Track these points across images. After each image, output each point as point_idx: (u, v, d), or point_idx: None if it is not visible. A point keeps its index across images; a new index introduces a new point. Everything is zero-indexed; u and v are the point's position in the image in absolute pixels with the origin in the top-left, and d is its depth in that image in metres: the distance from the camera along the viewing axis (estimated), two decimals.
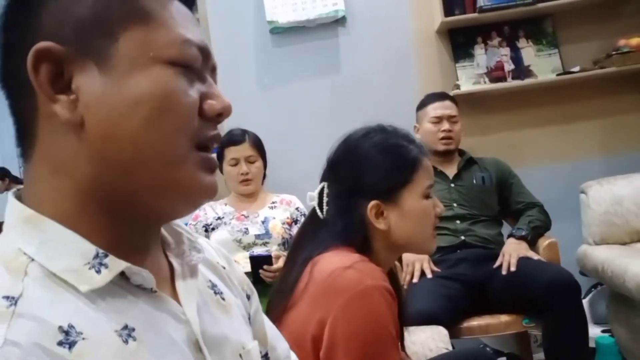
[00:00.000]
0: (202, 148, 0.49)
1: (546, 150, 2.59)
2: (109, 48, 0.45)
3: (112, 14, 0.46)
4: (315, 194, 1.09)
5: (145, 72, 0.46)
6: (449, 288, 1.89)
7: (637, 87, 2.54)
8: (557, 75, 2.49)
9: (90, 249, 0.46)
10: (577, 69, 2.48)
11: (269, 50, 2.67)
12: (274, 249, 2.15)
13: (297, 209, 2.25)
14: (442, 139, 2.19)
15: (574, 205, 2.28)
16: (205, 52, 0.51)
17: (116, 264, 0.46)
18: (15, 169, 4.43)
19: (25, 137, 0.48)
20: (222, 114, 0.50)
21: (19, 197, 0.49)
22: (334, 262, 0.96)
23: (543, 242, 2.08)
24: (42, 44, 0.44)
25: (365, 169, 1.04)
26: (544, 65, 2.53)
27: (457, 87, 2.54)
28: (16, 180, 4.61)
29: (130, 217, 0.49)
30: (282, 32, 2.66)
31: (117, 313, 0.45)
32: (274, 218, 2.18)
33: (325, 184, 1.08)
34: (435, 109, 2.24)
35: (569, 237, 2.18)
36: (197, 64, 0.50)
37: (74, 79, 0.45)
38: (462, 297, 1.90)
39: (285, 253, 2.23)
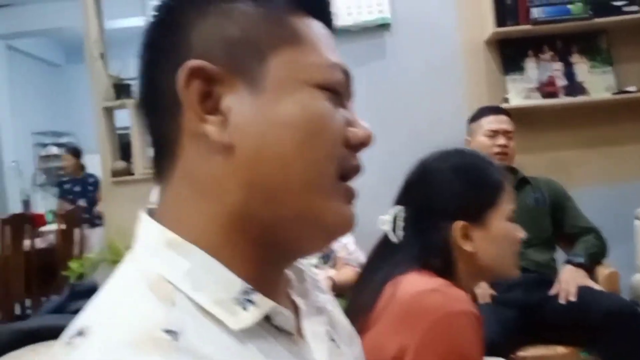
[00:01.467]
0: (343, 178, 0.47)
1: (598, 171, 2.51)
2: (259, 69, 0.44)
3: (263, 34, 0.45)
4: (388, 217, 1.05)
5: (295, 95, 0.44)
6: (503, 314, 1.82)
7: None
8: (613, 94, 2.41)
9: (236, 281, 0.43)
10: (633, 88, 2.40)
11: None
12: (313, 262, 2.09)
13: None
14: (497, 154, 2.10)
15: (626, 231, 2.21)
16: (348, 77, 0.49)
17: (264, 302, 0.44)
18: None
19: (165, 156, 0.46)
20: (364, 143, 0.48)
21: (150, 215, 0.47)
22: (418, 284, 0.93)
23: (603, 272, 2.01)
24: (196, 62, 0.43)
25: (448, 190, 1.02)
26: (597, 82, 2.46)
27: (506, 100, 2.46)
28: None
29: (271, 249, 0.46)
30: None
31: (263, 355, 0.43)
32: None
33: (399, 207, 1.04)
34: (491, 122, 2.15)
35: (620, 265, 2.11)
36: (342, 89, 0.48)
37: (223, 99, 0.44)
38: (517, 323, 1.83)
39: (325, 266, 2.16)
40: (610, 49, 2.49)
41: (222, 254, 0.43)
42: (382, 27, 2.61)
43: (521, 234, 1.06)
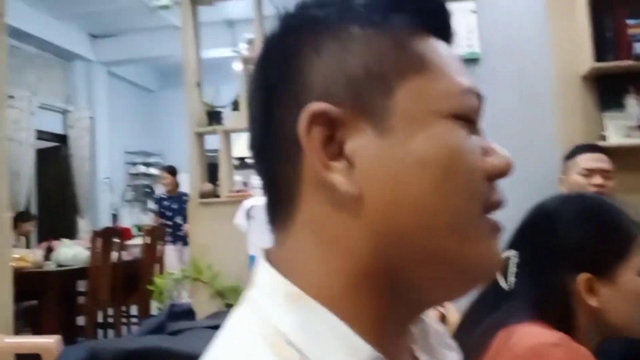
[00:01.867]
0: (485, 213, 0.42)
1: None
2: (386, 104, 0.40)
3: (388, 64, 0.40)
4: None
5: (428, 129, 0.40)
6: None
7: None
8: None
9: (363, 348, 0.39)
10: None
11: None
12: None
13: None
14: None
15: None
16: (480, 101, 0.44)
17: None
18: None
19: (282, 203, 0.42)
20: (503, 173, 0.43)
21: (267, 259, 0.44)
22: (537, 336, 0.87)
23: None
24: (318, 105, 0.39)
25: (574, 239, 0.96)
26: None
27: (603, 138, 2.36)
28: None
29: (401, 303, 0.41)
30: None
31: None
32: None
33: (513, 252, 0.99)
34: (587, 160, 2.05)
35: None
36: (476, 116, 0.43)
37: (347, 142, 0.39)
38: None
39: None
40: None
41: (345, 311, 0.39)
42: (471, 61, 2.60)
43: None
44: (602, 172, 2.03)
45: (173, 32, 6.56)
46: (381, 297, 0.40)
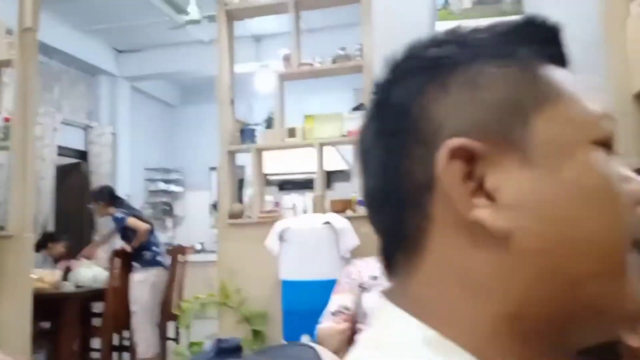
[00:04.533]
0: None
1: None
2: (524, 135, 0.39)
3: (521, 95, 0.40)
4: None
5: (575, 159, 0.39)
6: None
7: None
8: None
9: None
10: None
11: None
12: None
13: None
14: None
15: None
16: (615, 124, 0.43)
17: None
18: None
19: (405, 249, 0.42)
20: None
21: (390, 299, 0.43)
22: None
23: None
24: (456, 141, 0.38)
25: None
26: None
27: None
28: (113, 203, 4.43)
29: (547, 348, 0.40)
30: None
31: None
32: None
33: None
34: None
35: None
36: (613, 141, 0.42)
37: (487, 178, 0.39)
38: None
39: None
40: None
41: (488, 357, 0.38)
42: None
43: None
44: None
45: (197, 47, 6.70)
46: (528, 345, 0.39)
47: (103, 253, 5.02)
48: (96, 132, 7.09)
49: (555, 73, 0.42)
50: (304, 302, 2.74)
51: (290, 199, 3.69)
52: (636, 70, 2.39)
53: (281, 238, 2.95)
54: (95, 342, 4.35)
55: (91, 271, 4.34)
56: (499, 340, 0.39)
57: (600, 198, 0.39)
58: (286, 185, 6.60)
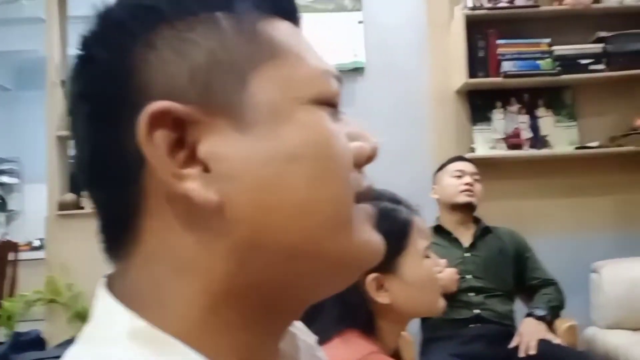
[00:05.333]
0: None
1: (558, 223, 2.67)
2: (241, 98, 0.36)
3: (238, 53, 0.37)
4: None
5: (291, 119, 0.37)
6: None
7: None
8: (576, 148, 2.59)
9: None
10: (595, 143, 2.59)
11: None
12: None
13: None
14: (464, 191, 2.23)
15: (581, 283, 2.35)
16: (340, 83, 0.42)
17: None
18: None
19: (121, 229, 0.38)
20: (371, 157, 0.42)
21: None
22: (340, 358, 0.92)
23: (562, 325, 2.11)
24: (158, 105, 0.35)
25: None
26: (561, 136, 2.64)
27: (473, 150, 2.61)
28: None
29: (273, 315, 0.39)
30: None
31: None
32: None
33: None
34: (457, 166, 2.31)
35: (575, 317, 2.21)
36: (338, 99, 0.41)
37: (200, 144, 0.36)
38: None
39: None
40: (574, 104, 2.68)
41: (205, 341, 0.36)
42: (356, 70, 2.75)
43: (439, 267, 1.06)
44: (472, 174, 2.26)
45: (33, 25, 6.17)
46: (251, 317, 0.38)
47: None
48: None
49: (277, 28, 0.39)
50: None
51: None
52: (457, 69, 2.65)
53: None
54: None
55: None
56: (216, 323, 0.37)
57: (318, 158, 0.37)
58: None
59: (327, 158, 0.38)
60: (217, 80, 0.36)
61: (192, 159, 0.36)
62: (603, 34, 2.61)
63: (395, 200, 1.06)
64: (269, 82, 0.37)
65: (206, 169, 0.35)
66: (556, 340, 1.98)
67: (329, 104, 0.40)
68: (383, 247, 0.42)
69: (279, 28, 0.39)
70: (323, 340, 0.95)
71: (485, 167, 2.56)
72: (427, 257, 1.05)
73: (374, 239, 0.41)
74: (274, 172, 0.36)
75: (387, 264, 1.01)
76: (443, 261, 1.05)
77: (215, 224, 0.36)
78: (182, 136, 0.35)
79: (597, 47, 2.60)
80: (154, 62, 0.36)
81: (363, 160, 0.41)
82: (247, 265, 0.36)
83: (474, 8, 2.59)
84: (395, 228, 1.02)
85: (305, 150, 0.37)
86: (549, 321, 2.06)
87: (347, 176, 0.39)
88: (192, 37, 0.37)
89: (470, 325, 2.08)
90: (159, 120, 0.35)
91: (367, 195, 0.42)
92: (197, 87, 0.36)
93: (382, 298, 0.99)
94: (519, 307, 2.24)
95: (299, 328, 0.47)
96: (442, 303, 1.08)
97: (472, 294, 2.13)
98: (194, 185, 0.35)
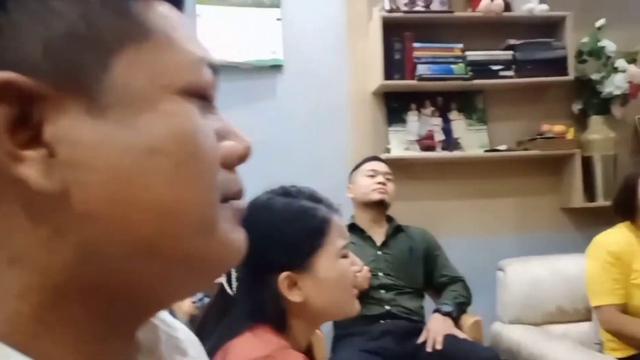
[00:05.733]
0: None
1: (467, 223, 2.78)
2: (100, 78, 0.34)
3: (102, 30, 0.34)
4: None
5: (155, 108, 0.35)
6: None
7: (555, 171, 2.83)
8: (485, 151, 2.71)
9: None
10: (504, 147, 2.72)
11: None
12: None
13: None
14: (376, 190, 2.29)
15: (489, 281, 2.46)
16: (216, 74, 0.40)
17: None
18: None
19: None
20: (242, 158, 0.40)
21: None
22: (248, 352, 0.91)
23: (467, 320, 2.20)
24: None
25: (272, 240, 1.01)
26: (472, 139, 2.75)
27: (388, 150, 2.67)
28: None
29: (125, 315, 0.37)
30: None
31: None
32: None
33: None
34: (371, 165, 2.37)
35: (482, 313, 2.32)
36: (212, 91, 0.39)
37: (46, 125, 0.32)
38: None
39: None
40: (485, 108, 2.81)
41: (42, 339, 0.34)
42: (274, 68, 2.75)
43: (357, 267, 1.08)
44: (385, 174, 2.33)
45: None
46: (96, 312, 0.35)
47: None
48: None
49: (153, 8, 0.37)
50: None
51: None
52: (374, 71, 2.70)
53: None
54: None
55: None
56: (51, 318, 0.34)
57: (177, 155, 0.35)
58: None
59: (191, 155, 0.35)
60: (75, 56, 0.33)
61: (36, 141, 0.32)
62: (513, 41, 2.73)
63: (315, 199, 1.05)
64: (134, 66, 0.35)
65: (51, 154, 0.32)
66: (462, 335, 2.06)
67: (201, 96, 0.37)
68: (245, 245, 0.41)
69: (156, 9, 0.37)
70: (234, 333, 0.95)
71: (400, 167, 2.63)
72: (345, 257, 1.05)
73: (236, 239, 0.39)
74: (131, 165, 0.34)
75: (302, 263, 1.00)
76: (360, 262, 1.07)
77: (57, 215, 0.33)
78: (27, 113, 0.32)
79: (507, 54, 2.72)
80: (5, 26, 0.32)
81: (234, 160, 0.39)
82: (95, 261, 0.34)
83: (391, 10, 2.65)
84: (312, 226, 1.02)
85: (167, 145, 0.34)
86: (455, 317, 2.14)
87: (213, 176, 0.37)
88: (54, 4, 0.33)
89: (380, 321, 2.13)
90: (1, 92, 0.31)
91: (238, 195, 0.40)
92: (51, 60, 0.33)
93: (294, 296, 0.98)
94: (429, 303, 2.32)
95: (163, 320, 0.45)
96: (357, 305, 1.08)
97: (383, 291, 2.19)
98: (31, 169, 0.32)
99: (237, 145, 0.39)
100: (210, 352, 0.92)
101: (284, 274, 0.98)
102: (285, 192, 1.06)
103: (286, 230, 1.01)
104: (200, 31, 2.66)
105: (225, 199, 0.38)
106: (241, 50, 2.71)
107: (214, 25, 2.68)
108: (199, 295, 2.10)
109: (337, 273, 1.03)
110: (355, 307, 1.07)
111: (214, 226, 0.37)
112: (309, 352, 1.09)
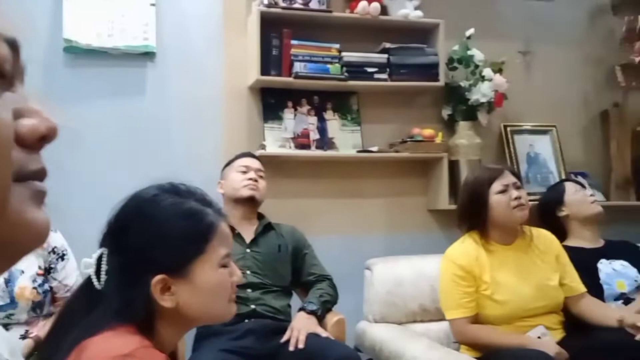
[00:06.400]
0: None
1: (338, 221, 2.84)
2: None
3: None
4: (93, 260, 1.00)
5: None
6: None
7: (423, 173, 2.97)
8: (358, 152, 2.79)
9: None
10: (375, 148, 2.81)
11: (60, 70, 2.54)
12: (22, 319, 1.93)
13: (53, 250, 2.02)
14: (247, 186, 2.29)
15: (357, 280, 2.53)
16: (15, 49, 0.39)
17: None
18: None
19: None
20: (47, 138, 0.40)
21: None
22: (107, 350, 0.89)
23: (331, 319, 2.24)
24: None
25: (153, 239, 0.99)
26: (346, 139, 2.82)
27: (263, 147, 2.67)
28: None
29: None
30: (80, 53, 2.56)
31: None
32: (23, 273, 1.94)
33: (104, 250, 1.00)
34: (243, 161, 2.36)
35: (349, 312, 2.37)
36: (7, 66, 0.38)
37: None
38: None
39: (39, 318, 1.99)
40: (360, 110, 2.89)
41: None
42: (146, 55, 2.64)
43: (236, 277, 1.06)
44: (257, 171, 2.34)
45: None
46: None
47: None
48: None
49: None
50: None
51: None
52: (251, 65, 2.68)
53: None
54: None
55: None
56: None
57: None
58: None
59: None
60: None
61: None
62: (388, 45, 2.83)
63: (205, 202, 1.03)
64: None
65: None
66: (324, 333, 2.10)
67: None
68: (48, 227, 0.40)
69: None
70: (95, 331, 0.91)
71: (274, 165, 2.64)
72: (225, 266, 1.03)
73: (35, 219, 0.39)
74: None
75: (180, 268, 0.98)
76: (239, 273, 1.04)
77: None
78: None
79: (382, 57, 2.81)
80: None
81: (35, 140, 0.39)
82: None
83: (269, 5, 2.64)
84: (197, 231, 1.00)
85: None
86: (319, 315, 2.17)
87: (4, 154, 0.36)
88: None
89: (245, 320, 2.12)
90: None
91: (38, 175, 0.40)
92: None
93: (165, 302, 0.96)
94: (297, 302, 2.34)
95: None
96: (232, 310, 1.06)
97: (249, 290, 2.18)
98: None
99: (38, 124, 0.39)
100: (68, 349, 0.90)
101: (158, 277, 0.96)
102: (175, 190, 1.02)
103: (170, 232, 0.99)
104: (66, 12, 2.51)
105: (23, 178, 0.38)
106: (111, 35, 2.58)
107: (82, 6, 2.54)
108: (39, 280, 1.97)
109: (215, 283, 1.01)
110: (229, 313, 1.06)
111: (3, 205, 0.36)
112: (173, 356, 1.06)
